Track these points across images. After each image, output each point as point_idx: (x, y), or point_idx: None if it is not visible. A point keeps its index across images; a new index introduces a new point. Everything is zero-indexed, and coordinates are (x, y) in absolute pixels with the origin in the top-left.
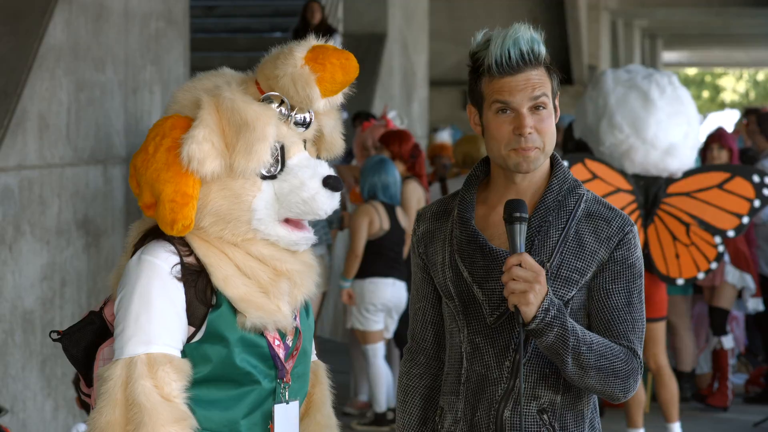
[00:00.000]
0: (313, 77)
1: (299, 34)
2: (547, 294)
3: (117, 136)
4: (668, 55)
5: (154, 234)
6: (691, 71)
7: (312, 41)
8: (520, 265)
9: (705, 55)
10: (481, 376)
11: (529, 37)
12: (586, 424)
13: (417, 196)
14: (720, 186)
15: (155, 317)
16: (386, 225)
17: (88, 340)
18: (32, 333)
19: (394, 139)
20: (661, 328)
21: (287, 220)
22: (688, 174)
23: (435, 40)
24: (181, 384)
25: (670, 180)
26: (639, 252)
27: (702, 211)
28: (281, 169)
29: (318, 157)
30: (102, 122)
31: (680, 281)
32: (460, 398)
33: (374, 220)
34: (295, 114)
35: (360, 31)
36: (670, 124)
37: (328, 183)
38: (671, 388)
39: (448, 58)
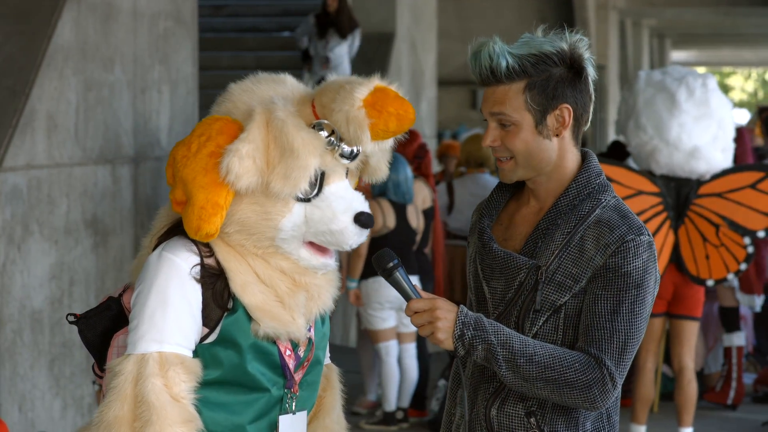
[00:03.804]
0: (367, 122)
1: (321, 19)
2: (456, 319)
3: (125, 136)
4: (677, 55)
5: (178, 230)
6: (700, 71)
7: (375, 81)
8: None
9: (713, 54)
10: (480, 372)
11: (489, 53)
12: (579, 430)
13: (422, 195)
14: (753, 186)
15: (170, 316)
16: (391, 223)
17: (105, 325)
18: (40, 332)
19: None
20: (690, 327)
21: (311, 243)
22: (720, 174)
23: (443, 40)
24: (190, 385)
25: (702, 181)
26: (639, 262)
27: (732, 212)
28: (317, 194)
29: (360, 178)
30: (110, 122)
31: (710, 282)
32: (468, 393)
33: (377, 218)
34: (343, 145)
35: (369, 31)
36: (696, 127)
37: (360, 220)
38: (688, 392)
39: (457, 57)
